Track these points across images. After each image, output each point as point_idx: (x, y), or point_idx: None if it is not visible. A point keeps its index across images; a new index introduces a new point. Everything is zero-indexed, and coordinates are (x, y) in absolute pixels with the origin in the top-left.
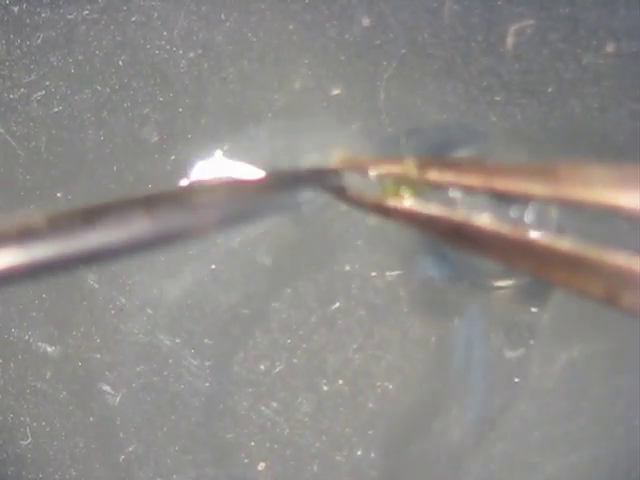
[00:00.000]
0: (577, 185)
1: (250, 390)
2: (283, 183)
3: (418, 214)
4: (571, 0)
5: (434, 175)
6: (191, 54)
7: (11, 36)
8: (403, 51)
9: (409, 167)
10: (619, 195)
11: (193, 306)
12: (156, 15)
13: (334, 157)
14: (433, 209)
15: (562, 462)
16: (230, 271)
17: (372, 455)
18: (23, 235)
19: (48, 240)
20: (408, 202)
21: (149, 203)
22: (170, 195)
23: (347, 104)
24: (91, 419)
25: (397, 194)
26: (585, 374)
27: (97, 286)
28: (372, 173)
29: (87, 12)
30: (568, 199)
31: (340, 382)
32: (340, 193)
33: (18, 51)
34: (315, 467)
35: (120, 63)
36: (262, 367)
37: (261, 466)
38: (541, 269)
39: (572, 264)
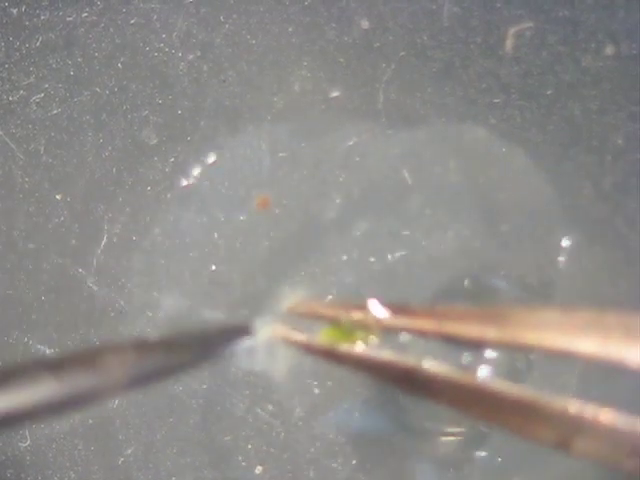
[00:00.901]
0: (529, 329)
1: (247, 392)
2: (192, 342)
3: (369, 360)
4: (570, 3)
5: (387, 319)
6: (190, 56)
7: (10, 38)
8: (402, 53)
9: (362, 312)
10: (571, 340)
11: (192, 308)
12: (155, 17)
13: (284, 303)
14: (384, 355)
15: (562, 463)
16: (229, 272)
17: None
18: None
19: None
20: (359, 348)
21: (56, 366)
22: (77, 357)
23: (346, 106)
24: (90, 421)
25: (350, 339)
26: None
27: (96, 289)
28: (323, 318)
29: (86, 14)
30: (520, 344)
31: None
32: (289, 339)
33: (17, 53)
34: (311, 472)
35: (119, 65)
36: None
37: (258, 469)
38: (492, 415)
39: (523, 411)
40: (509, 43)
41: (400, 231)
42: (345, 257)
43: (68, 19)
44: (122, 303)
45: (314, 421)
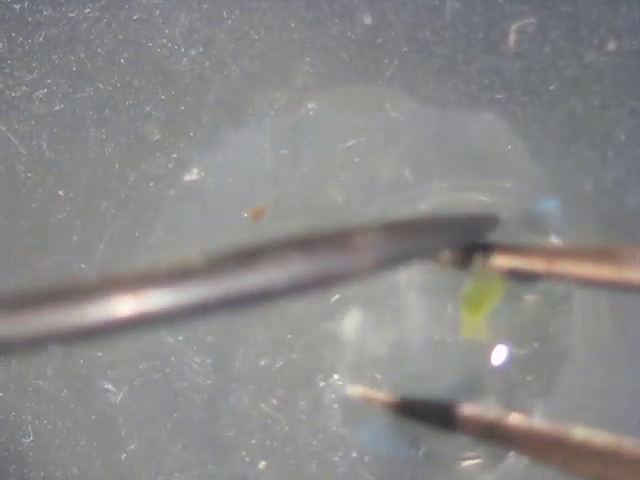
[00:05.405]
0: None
1: (251, 387)
2: (444, 226)
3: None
4: None
5: (499, 261)
6: (193, 52)
7: (13, 34)
8: (404, 49)
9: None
10: None
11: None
12: (158, 13)
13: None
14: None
15: None
16: None
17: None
18: (181, 276)
19: (206, 281)
20: None
21: (306, 245)
22: (327, 236)
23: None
24: (93, 417)
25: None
26: None
27: None
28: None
29: (89, 10)
30: (631, 283)
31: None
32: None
33: (20, 49)
34: (314, 466)
35: (122, 61)
36: (262, 363)
37: (262, 464)
38: (575, 464)
39: (606, 457)
40: (511, 39)
41: None
42: None
43: (71, 15)
44: None
45: (317, 414)
